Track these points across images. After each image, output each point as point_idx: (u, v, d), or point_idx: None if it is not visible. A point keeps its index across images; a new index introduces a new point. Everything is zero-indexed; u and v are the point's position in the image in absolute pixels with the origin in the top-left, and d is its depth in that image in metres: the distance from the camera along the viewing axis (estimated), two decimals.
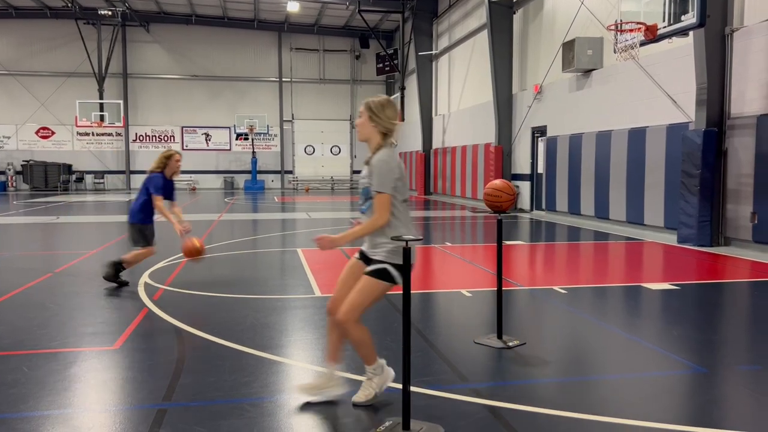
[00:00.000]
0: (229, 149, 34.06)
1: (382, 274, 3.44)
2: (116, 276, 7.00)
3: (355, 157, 35.40)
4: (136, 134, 33.16)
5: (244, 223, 15.53)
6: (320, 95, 34.91)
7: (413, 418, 3.20)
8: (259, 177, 33.59)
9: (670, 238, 11.19)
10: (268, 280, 7.67)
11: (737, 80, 10.24)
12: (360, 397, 3.59)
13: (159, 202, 6.92)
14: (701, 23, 8.49)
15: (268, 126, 33.14)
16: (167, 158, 7.10)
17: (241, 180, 33.81)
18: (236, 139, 33.71)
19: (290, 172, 34.90)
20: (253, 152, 33.30)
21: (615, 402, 3.70)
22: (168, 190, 7.09)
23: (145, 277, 7.50)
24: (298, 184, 34.57)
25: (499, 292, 4.88)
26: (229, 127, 33.51)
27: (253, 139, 33.09)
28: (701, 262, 8.99)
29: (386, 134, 3.69)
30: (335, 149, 35.47)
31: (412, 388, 3.38)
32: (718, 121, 10.40)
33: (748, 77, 10.00)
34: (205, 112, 33.54)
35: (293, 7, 27.71)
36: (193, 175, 33.14)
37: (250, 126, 32.34)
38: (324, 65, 34.69)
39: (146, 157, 31.81)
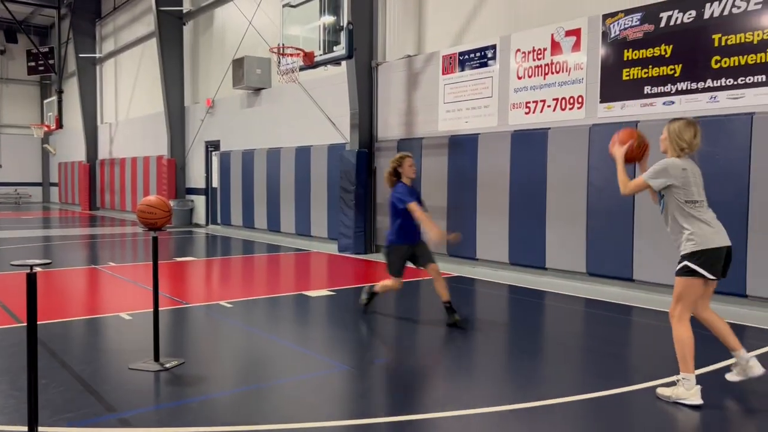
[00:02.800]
0: None
1: (686, 271, 3.91)
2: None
3: (1, 166, 30.35)
4: None
5: None
6: None
7: None
8: None
9: (333, 248, 12.23)
10: None
11: (382, 108, 11.74)
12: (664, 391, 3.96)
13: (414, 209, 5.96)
14: (350, 55, 9.50)
15: None
16: (399, 162, 6.25)
17: None
18: None
19: None
20: None
21: (273, 408, 3.87)
22: (417, 196, 6.21)
23: None
24: None
25: (156, 313, 4.68)
26: None
27: None
28: (356, 269, 10.02)
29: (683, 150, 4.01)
30: None
31: (45, 429, 3.01)
32: (368, 142, 11.77)
33: (390, 106, 11.56)
34: None
35: None
36: None
37: None
38: None
39: None
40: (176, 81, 18.46)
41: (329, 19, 9.77)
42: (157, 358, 4.59)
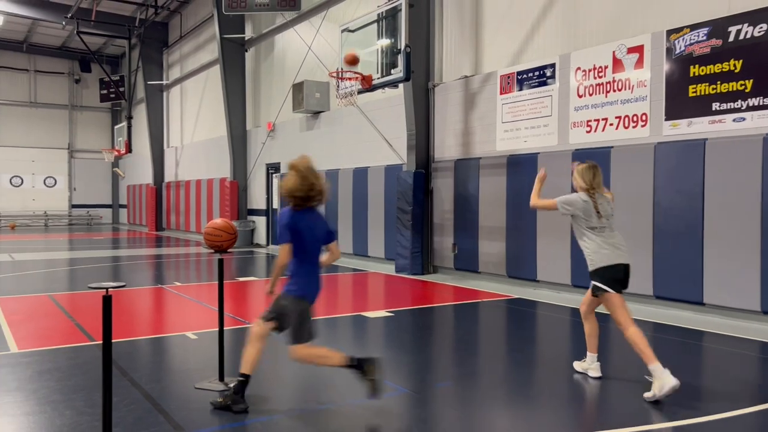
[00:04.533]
0: None
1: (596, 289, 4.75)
2: None
3: (75, 189, 32.00)
4: None
5: None
6: (31, 120, 30.93)
7: None
8: None
9: (390, 268, 12.25)
10: None
11: (439, 128, 11.77)
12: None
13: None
14: (407, 78, 9.61)
15: None
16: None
17: None
18: None
19: None
20: None
21: (335, 431, 3.88)
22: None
23: None
24: (1, 220, 29.92)
25: (221, 333, 4.80)
26: None
27: None
28: (413, 290, 10.00)
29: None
30: (50, 180, 31.60)
31: None
32: (425, 163, 11.79)
33: (447, 126, 11.57)
34: None
35: None
36: None
37: None
38: (36, 87, 30.91)
39: None
40: (238, 106, 19.06)
41: (387, 42, 9.92)
42: (222, 378, 4.69)
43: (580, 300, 8.64)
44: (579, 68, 9.18)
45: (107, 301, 2.91)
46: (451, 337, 6.60)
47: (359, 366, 4.08)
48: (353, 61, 8.99)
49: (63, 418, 4.00)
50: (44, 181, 31.44)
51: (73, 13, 21.99)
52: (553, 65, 9.59)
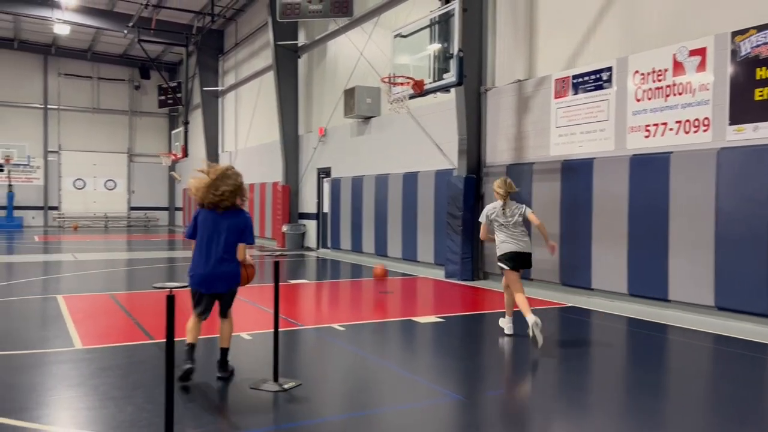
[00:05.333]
0: None
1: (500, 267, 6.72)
2: None
3: (133, 192, 33.10)
4: None
5: None
6: (93, 125, 32.20)
7: None
8: (17, 213, 29.68)
9: (440, 274, 12.19)
10: (19, 333, 6.76)
11: (491, 133, 11.66)
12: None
13: None
14: (459, 82, 9.55)
15: (29, 156, 29.62)
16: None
17: None
18: None
19: (55, 208, 31.42)
20: (10, 185, 29.39)
21: None
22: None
23: None
24: (64, 221, 31.22)
25: (276, 335, 4.87)
26: None
27: (10, 171, 29.24)
28: (463, 296, 9.92)
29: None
30: (110, 183, 32.79)
31: None
32: (476, 168, 11.70)
33: (499, 131, 11.45)
34: None
35: (62, 30, 25.34)
36: None
37: (6, 156, 28.58)
38: (98, 94, 32.15)
39: None
40: (291, 111, 19.37)
41: (439, 47, 9.90)
42: (276, 379, 4.76)
43: (636, 310, 8.44)
44: (637, 71, 8.95)
45: (170, 301, 3.00)
46: (502, 344, 6.52)
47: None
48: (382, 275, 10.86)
49: (124, 413, 4.13)
50: (105, 184, 32.66)
51: (135, 23, 22.81)
52: (609, 68, 9.38)
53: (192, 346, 4.95)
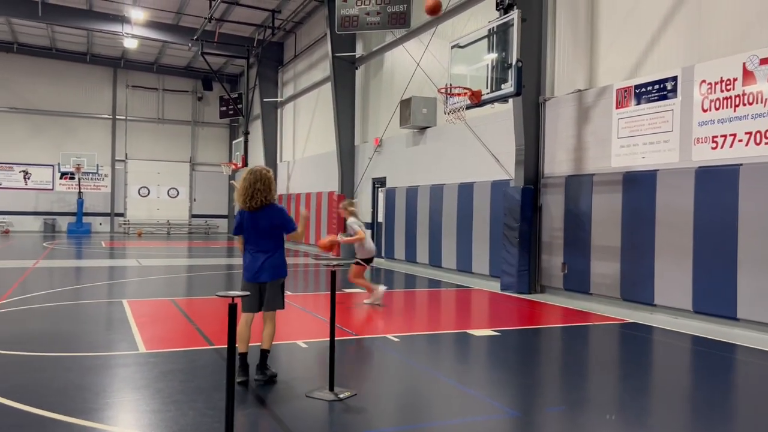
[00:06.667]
0: (52, 189, 31.24)
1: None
2: None
3: (195, 200, 34.12)
4: None
5: (65, 271, 14.19)
6: (158, 135, 33.44)
7: None
8: (86, 219, 31.06)
9: (495, 286, 12.04)
10: (88, 335, 7.05)
11: (549, 144, 11.47)
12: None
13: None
14: (518, 92, 9.44)
15: (98, 165, 30.98)
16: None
17: (64, 222, 31.02)
18: (60, 178, 31.05)
19: (121, 214, 32.71)
20: (80, 193, 30.80)
21: None
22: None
23: None
24: (129, 227, 32.46)
25: (332, 345, 4.91)
26: (53, 165, 30.84)
27: (80, 179, 30.67)
28: (520, 309, 9.76)
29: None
30: (173, 192, 33.93)
31: None
32: (534, 179, 11.52)
33: (558, 141, 11.26)
34: (24, 148, 30.60)
35: (131, 44, 26.52)
36: (6, 217, 29.90)
37: (77, 164, 29.99)
38: (163, 105, 33.40)
39: None
40: (348, 122, 19.59)
41: (497, 57, 9.82)
42: (331, 388, 4.79)
43: (701, 328, 8.11)
44: (704, 81, 8.64)
45: (233, 309, 3.07)
46: (561, 360, 6.38)
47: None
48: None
49: (186, 417, 4.24)
50: (168, 192, 33.80)
51: (198, 36, 23.60)
52: (674, 78, 9.09)
53: (244, 356, 5.13)
